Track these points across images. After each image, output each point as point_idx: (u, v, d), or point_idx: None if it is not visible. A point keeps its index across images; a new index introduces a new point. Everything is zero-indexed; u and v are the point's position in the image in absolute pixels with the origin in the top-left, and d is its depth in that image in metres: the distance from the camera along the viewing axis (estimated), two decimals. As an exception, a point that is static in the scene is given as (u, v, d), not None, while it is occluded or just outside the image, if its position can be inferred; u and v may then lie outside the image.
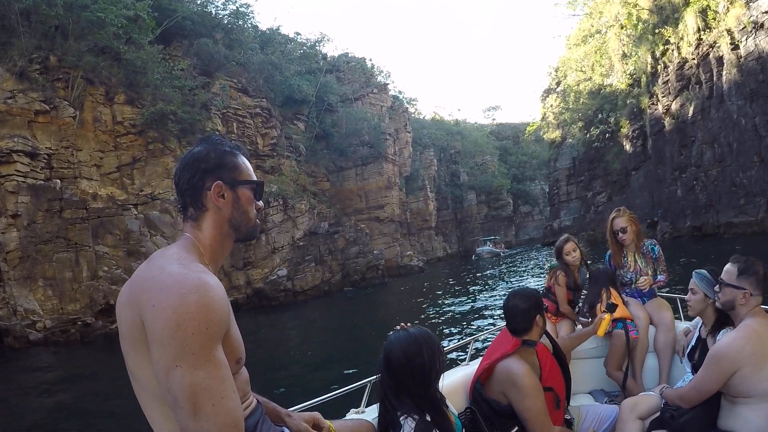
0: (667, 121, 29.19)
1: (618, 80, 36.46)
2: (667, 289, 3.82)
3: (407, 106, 58.62)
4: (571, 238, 3.64)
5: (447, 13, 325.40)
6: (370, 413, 2.14)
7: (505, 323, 2.43)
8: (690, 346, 2.60)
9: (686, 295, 2.56)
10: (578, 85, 43.63)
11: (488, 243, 58.76)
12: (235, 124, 28.58)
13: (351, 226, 33.60)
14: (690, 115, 26.78)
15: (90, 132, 21.65)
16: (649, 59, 30.09)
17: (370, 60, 50.41)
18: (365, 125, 37.93)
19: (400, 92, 60.79)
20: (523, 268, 29.77)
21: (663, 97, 29.36)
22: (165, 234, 22.48)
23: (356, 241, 31.32)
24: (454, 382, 2.52)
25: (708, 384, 2.10)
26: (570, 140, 49.34)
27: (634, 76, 33.79)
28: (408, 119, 54.59)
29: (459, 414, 2.17)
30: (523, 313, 2.28)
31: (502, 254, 53.03)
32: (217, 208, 1.24)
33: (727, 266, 2.20)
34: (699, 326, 2.61)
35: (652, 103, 30.65)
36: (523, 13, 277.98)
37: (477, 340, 3.18)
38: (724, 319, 2.33)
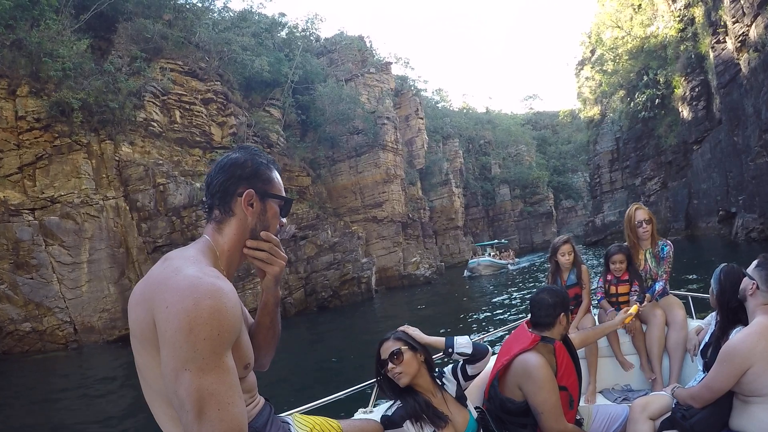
0: (744, 60, 19.38)
1: (665, 25, 27.77)
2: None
3: (417, 86, 51.41)
4: (571, 240, 3.60)
5: (486, 5, 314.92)
6: (378, 413, 2.20)
7: (519, 320, 2.57)
8: (703, 343, 2.62)
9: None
10: (615, 44, 35.15)
11: (487, 251, 40.82)
12: (177, 112, 23.96)
13: (338, 229, 28.18)
14: (785, 39, 17.13)
15: (-13, 130, 18.62)
16: (708, -30, 20.74)
17: (368, 38, 44.23)
18: (350, 107, 31.78)
19: (424, 81, 54.56)
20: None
21: (735, 23, 19.38)
22: (65, 243, 18.45)
23: (334, 247, 25.64)
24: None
25: (720, 382, 2.12)
26: (611, 115, 41.03)
27: (686, 17, 25.38)
28: (420, 103, 48.02)
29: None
30: (548, 306, 2.32)
31: (511, 267, 36.27)
32: (243, 215, 1.28)
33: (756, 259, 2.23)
34: (713, 323, 2.65)
35: (717, 41, 21.31)
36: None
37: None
38: (736, 317, 2.35)
